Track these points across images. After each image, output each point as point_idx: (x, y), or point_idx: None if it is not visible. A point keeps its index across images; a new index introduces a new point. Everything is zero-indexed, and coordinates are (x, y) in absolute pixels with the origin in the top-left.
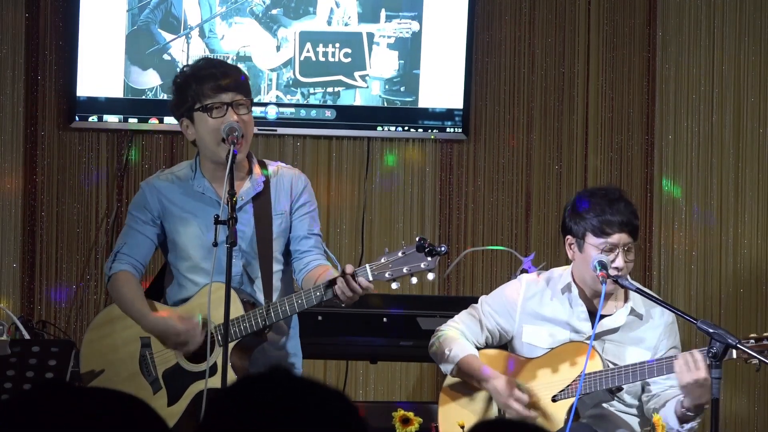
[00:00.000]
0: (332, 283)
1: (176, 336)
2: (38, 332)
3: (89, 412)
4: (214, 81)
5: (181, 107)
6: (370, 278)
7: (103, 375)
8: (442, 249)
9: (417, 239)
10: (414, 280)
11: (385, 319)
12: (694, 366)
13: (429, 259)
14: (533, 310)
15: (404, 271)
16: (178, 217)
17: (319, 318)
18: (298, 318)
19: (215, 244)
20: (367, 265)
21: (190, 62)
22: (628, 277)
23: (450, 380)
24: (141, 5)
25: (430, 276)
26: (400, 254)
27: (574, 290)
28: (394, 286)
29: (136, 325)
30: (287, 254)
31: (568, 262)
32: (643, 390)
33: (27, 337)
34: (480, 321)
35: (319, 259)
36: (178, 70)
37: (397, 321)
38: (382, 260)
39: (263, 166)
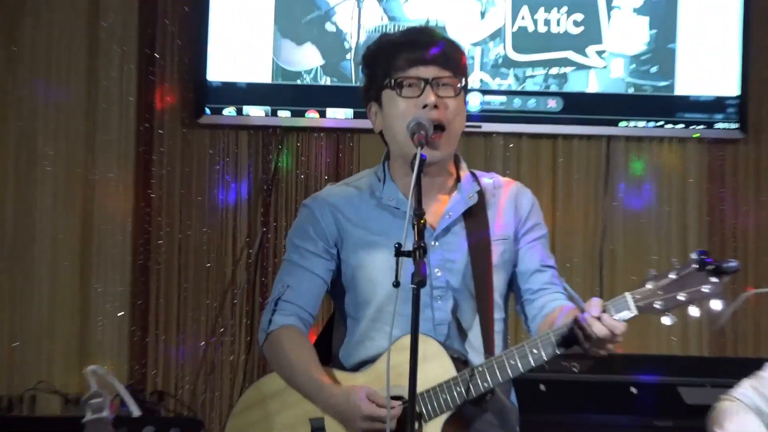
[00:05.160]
0: (573, 325)
1: (362, 421)
2: (152, 407)
3: None
4: (413, 50)
5: (369, 88)
6: (635, 311)
7: None
8: (733, 264)
9: (694, 254)
10: (694, 311)
11: (633, 389)
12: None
13: (714, 280)
14: None
15: (680, 299)
16: (362, 242)
17: (541, 387)
18: None
19: (396, 285)
20: (627, 294)
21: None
22: None
23: None
24: None
25: (718, 305)
26: (672, 276)
27: None
28: (667, 322)
29: (301, 402)
30: (507, 297)
31: None
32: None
33: (137, 413)
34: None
35: (560, 299)
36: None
37: (649, 392)
38: (648, 286)
39: (473, 175)
